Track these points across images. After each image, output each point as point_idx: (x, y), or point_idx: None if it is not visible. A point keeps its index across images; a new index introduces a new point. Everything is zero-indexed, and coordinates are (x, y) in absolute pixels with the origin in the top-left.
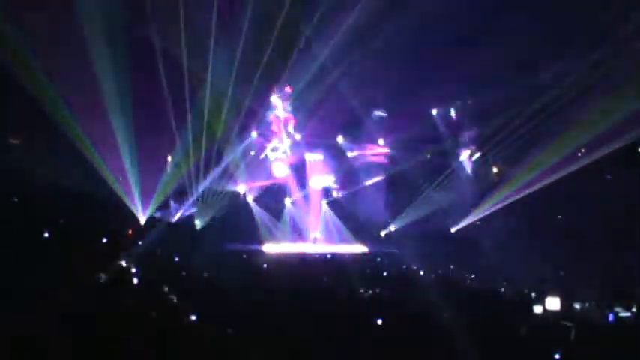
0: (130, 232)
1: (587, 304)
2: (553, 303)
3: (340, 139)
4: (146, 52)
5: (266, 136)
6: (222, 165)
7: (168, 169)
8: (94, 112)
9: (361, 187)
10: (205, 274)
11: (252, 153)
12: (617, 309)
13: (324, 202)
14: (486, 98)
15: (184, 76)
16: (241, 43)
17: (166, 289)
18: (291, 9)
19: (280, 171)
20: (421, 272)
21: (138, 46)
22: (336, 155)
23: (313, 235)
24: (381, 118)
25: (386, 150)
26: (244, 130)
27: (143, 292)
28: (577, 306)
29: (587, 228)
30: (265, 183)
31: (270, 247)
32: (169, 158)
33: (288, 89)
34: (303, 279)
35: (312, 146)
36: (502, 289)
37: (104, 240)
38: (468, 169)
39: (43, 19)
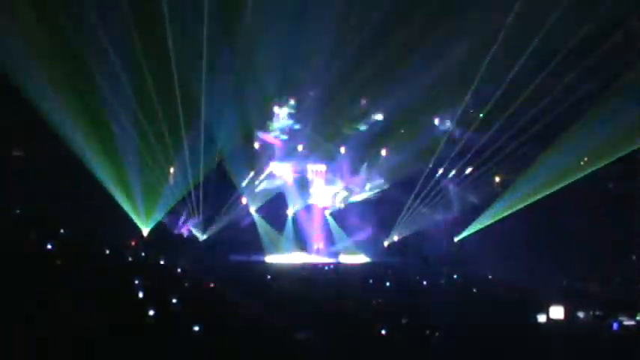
0: (133, 242)
1: (591, 313)
2: (557, 312)
3: (343, 150)
4: (148, 60)
5: (268, 145)
6: (226, 175)
7: (172, 179)
8: (97, 122)
9: (363, 197)
10: (209, 285)
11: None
12: (622, 318)
13: (326, 213)
14: (488, 106)
15: (186, 83)
16: (244, 51)
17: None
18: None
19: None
20: (424, 282)
21: (140, 54)
22: (338, 166)
23: (316, 245)
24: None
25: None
26: (247, 140)
27: (146, 302)
28: (581, 315)
29: (591, 237)
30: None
31: (273, 258)
32: (172, 169)
33: (291, 99)
34: (306, 290)
35: (314, 157)
36: (506, 298)
37: (107, 251)
38: (469, 178)
39: (46, 28)
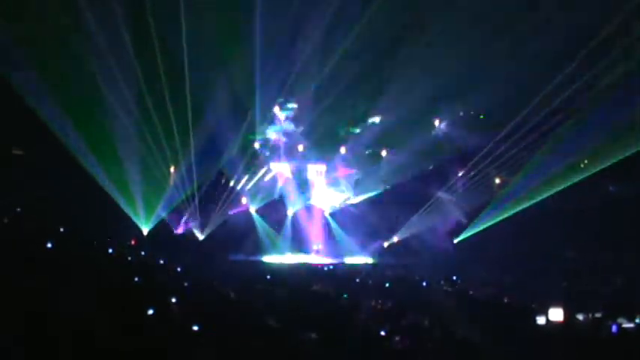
0: (133, 242)
1: (590, 316)
2: (556, 314)
3: (343, 150)
4: (149, 59)
5: (269, 145)
6: (226, 175)
7: (172, 179)
8: (97, 122)
9: (364, 198)
10: (208, 285)
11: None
12: (621, 320)
13: (326, 213)
14: (489, 108)
15: (187, 84)
16: (246, 53)
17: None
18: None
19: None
20: (424, 283)
21: (141, 53)
22: (338, 167)
23: (315, 246)
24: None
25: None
26: (248, 140)
27: (146, 302)
28: (580, 317)
29: (591, 240)
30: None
31: (272, 258)
32: (172, 169)
33: (292, 103)
34: (305, 290)
35: (314, 157)
36: (506, 300)
37: (107, 251)
38: (469, 179)
39: (46, 29)
